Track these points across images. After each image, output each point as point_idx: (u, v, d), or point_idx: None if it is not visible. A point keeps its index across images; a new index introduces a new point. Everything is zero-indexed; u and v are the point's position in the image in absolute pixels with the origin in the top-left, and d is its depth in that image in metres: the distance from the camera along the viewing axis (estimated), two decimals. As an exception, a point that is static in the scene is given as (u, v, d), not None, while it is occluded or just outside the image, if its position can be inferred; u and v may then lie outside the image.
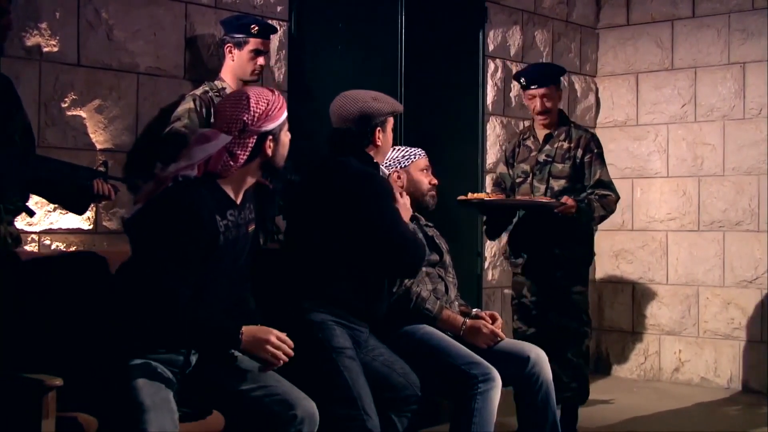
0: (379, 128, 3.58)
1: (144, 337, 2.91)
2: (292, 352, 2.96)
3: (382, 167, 3.66)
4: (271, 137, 3.05)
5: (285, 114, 3.11)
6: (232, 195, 3.05)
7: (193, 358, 3.05)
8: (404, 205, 3.68)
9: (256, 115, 3.01)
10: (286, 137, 3.14)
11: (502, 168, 5.24)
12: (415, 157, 4.04)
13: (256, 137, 3.02)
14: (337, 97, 3.68)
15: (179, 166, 2.97)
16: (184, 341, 2.96)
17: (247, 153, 3.01)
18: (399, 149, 4.08)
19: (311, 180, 3.62)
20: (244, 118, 3.00)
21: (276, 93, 3.11)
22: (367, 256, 3.45)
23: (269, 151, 3.06)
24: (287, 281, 3.49)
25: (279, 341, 2.94)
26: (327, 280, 3.45)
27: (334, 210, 3.45)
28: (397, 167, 4.02)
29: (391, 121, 3.65)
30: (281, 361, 2.95)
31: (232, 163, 3.00)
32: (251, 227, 3.17)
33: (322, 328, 3.39)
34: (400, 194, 3.71)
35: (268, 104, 3.04)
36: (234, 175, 3.03)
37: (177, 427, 2.85)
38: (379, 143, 3.60)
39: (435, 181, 4.07)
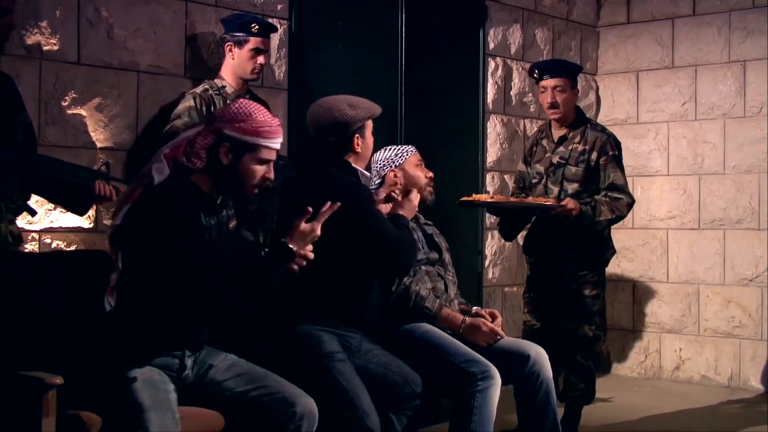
0: (357, 135, 3.54)
1: (145, 341, 2.93)
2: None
3: (364, 172, 3.60)
4: (228, 146, 2.98)
5: (263, 141, 3.00)
6: (211, 193, 3.04)
7: (188, 361, 3.05)
8: (410, 204, 3.69)
9: (228, 114, 3.01)
10: (255, 166, 3.02)
11: (521, 166, 5.18)
12: (407, 154, 4.05)
13: (216, 136, 2.99)
14: (312, 104, 3.65)
15: (150, 164, 3.00)
16: (232, 300, 2.96)
17: (205, 146, 2.99)
18: (390, 149, 4.08)
19: (293, 190, 3.60)
20: (217, 113, 3.05)
21: (268, 118, 3.04)
22: (357, 262, 3.45)
23: (224, 160, 2.99)
24: (276, 293, 3.46)
25: (308, 225, 3.00)
26: (315, 291, 3.43)
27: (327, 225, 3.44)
28: (392, 166, 4.03)
29: (370, 125, 3.61)
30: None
31: (191, 149, 2.98)
32: (232, 223, 3.16)
33: (309, 337, 3.39)
34: (401, 193, 3.71)
35: (248, 115, 3.00)
36: (204, 175, 3.01)
37: (178, 425, 2.85)
38: (359, 150, 3.56)
39: (430, 174, 4.07)
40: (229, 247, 3.13)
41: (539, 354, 3.85)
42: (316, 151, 3.58)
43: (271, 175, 3.08)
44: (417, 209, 3.79)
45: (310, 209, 3.03)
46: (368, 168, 3.81)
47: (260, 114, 3.03)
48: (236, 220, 3.20)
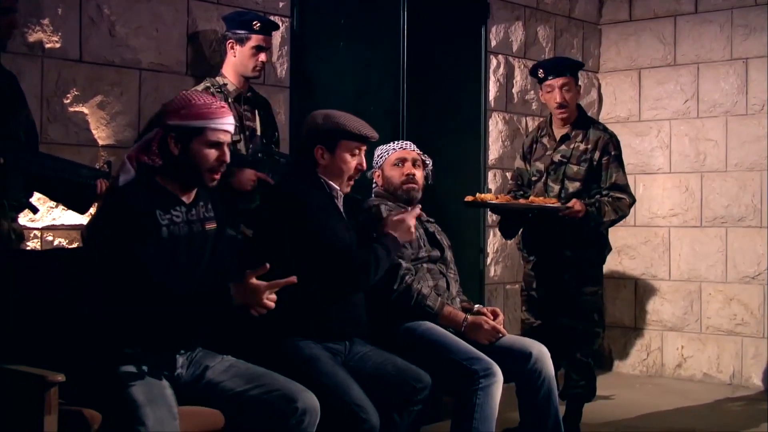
0: (319, 147, 3.52)
1: (129, 339, 2.94)
2: (274, 297, 2.95)
3: (332, 184, 3.56)
4: (173, 135, 3.00)
5: (205, 123, 3.00)
6: (176, 192, 3.05)
7: (179, 359, 3.06)
8: (403, 224, 3.59)
9: (169, 106, 3.05)
10: (205, 149, 3.01)
11: (519, 163, 5.13)
12: (387, 154, 4.06)
13: (163, 131, 3.02)
14: None
15: (118, 168, 3.05)
16: (174, 319, 2.93)
17: (156, 141, 3.01)
18: (378, 149, 4.09)
19: (265, 203, 3.65)
20: (162, 108, 3.09)
21: (209, 101, 3.04)
22: (310, 275, 3.38)
23: (174, 150, 3.00)
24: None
25: (257, 284, 2.90)
26: (293, 307, 3.38)
27: (275, 233, 3.44)
28: (376, 168, 4.05)
29: (346, 143, 3.54)
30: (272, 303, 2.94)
31: (148, 148, 3.02)
32: (210, 225, 3.15)
33: (287, 347, 3.38)
34: (401, 219, 3.62)
35: (186, 103, 3.02)
36: (168, 174, 3.03)
37: (176, 418, 2.85)
38: (322, 162, 3.54)
39: (408, 171, 4.03)
40: (207, 247, 3.12)
41: (541, 352, 3.85)
42: (296, 158, 3.64)
43: (226, 158, 3.06)
44: (410, 233, 3.64)
45: (267, 266, 2.94)
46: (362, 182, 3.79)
47: (200, 99, 3.05)
48: (217, 222, 3.18)
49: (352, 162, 3.57)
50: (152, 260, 2.90)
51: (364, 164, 3.63)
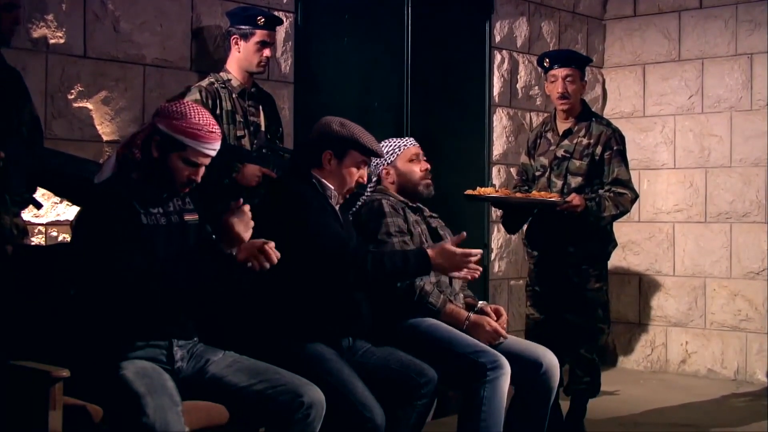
0: (328, 152, 3.53)
1: (125, 332, 2.96)
2: (275, 252, 2.97)
3: (326, 184, 3.55)
4: (158, 139, 3.02)
5: (190, 142, 3.01)
6: (152, 186, 3.08)
7: (177, 351, 3.07)
8: (453, 260, 3.45)
9: (166, 110, 3.05)
10: (180, 165, 3.03)
11: (524, 158, 5.13)
12: (400, 149, 4.00)
13: (151, 129, 3.04)
14: None
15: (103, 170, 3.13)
16: (163, 293, 2.94)
17: (142, 137, 3.04)
18: (384, 143, 4.02)
19: (266, 199, 3.66)
20: (159, 107, 3.09)
21: (204, 122, 3.03)
22: (308, 271, 3.40)
23: (154, 153, 3.02)
24: (261, 310, 3.45)
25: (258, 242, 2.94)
26: (297, 306, 3.42)
27: (274, 230, 3.38)
28: (384, 164, 3.99)
29: (354, 155, 3.55)
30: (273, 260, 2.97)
31: (133, 141, 3.06)
32: (190, 216, 3.17)
33: (293, 346, 3.39)
34: (452, 251, 3.47)
35: (182, 114, 3.02)
36: (144, 171, 3.07)
37: (178, 404, 2.85)
38: (327, 167, 3.55)
39: (426, 166, 4.01)
40: (189, 238, 3.14)
41: (552, 364, 3.78)
42: (294, 158, 3.65)
43: (197, 179, 3.08)
44: (460, 269, 3.53)
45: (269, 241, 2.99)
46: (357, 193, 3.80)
47: (196, 117, 3.03)
48: (198, 214, 3.21)
49: (355, 174, 3.59)
50: (132, 250, 2.92)
51: (365, 178, 3.64)
